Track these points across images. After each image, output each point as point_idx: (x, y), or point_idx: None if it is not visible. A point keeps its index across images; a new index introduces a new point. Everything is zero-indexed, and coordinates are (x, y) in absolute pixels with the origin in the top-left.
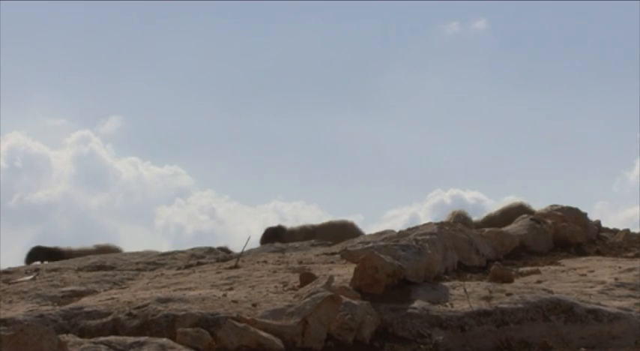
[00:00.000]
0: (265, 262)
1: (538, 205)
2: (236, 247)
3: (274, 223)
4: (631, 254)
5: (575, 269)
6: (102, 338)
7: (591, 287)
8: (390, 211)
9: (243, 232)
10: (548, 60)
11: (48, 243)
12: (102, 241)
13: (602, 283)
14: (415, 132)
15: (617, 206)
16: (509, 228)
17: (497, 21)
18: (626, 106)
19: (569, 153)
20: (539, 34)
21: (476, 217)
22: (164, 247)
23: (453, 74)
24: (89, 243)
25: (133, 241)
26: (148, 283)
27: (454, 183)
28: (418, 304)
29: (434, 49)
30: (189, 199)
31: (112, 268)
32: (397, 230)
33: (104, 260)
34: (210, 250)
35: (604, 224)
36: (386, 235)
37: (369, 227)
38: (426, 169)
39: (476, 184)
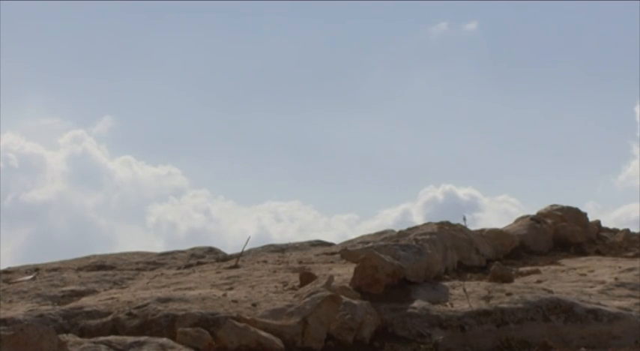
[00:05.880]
0: (265, 261)
1: (535, 205)
2: (231, 246)
3: (269, 223)
4: (631, 254)
5: (575, 269)
6: (102, 338)
7: (591, 287)
8: (384, 209)
9: (238, 232)
10: (538, 61)
11: (43, 242)
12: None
13: (602, 282)
14: (407, 131)
15: (606, 207)
16: (509, 228)
17: (488, 23)
18: (620, 106)
19: (561, 152)
20: (530, 35)
21: None
22: (158, 246)
23: (446, 74)
24: (84, 242)
25: (127, 239)
26: (147, 283)
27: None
28: (418, 303)
29: (426, 50)
30: (184, 198)
31: (112, 267)
32: (390, 227)
33: (104, 260)
34: (211, 250)
35: None
36: (386, 235)
37: (363, 225)
38: (419, 167)
39: (470, 181)
